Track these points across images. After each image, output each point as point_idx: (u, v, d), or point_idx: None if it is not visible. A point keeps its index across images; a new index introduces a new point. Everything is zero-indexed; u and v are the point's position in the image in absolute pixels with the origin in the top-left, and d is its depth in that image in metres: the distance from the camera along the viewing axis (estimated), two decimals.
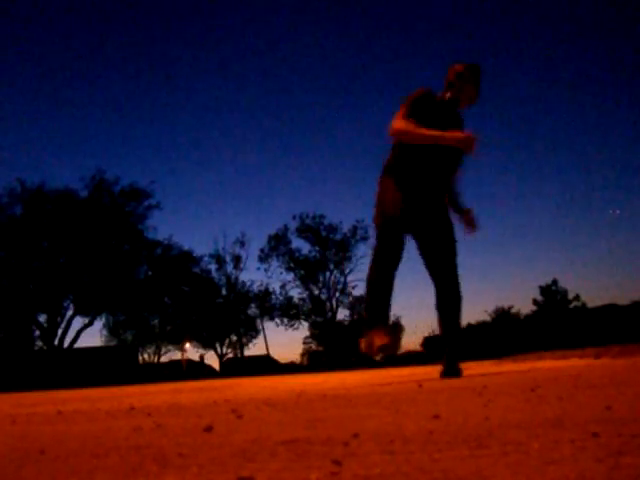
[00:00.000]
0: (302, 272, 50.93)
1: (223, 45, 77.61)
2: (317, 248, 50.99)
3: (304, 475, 0.70)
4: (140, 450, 0.98)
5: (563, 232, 79.19)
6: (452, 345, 3.93)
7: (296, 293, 59.88)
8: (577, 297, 57.02)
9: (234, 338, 52.30)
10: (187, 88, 77.68)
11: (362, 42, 78.14)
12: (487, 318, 62.11)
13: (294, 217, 51.92)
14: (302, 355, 65.64)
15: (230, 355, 53.71)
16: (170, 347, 57.57)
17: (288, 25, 78.82)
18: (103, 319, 43.77)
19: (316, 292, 51.31)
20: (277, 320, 50.95)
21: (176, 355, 57.66)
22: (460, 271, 4.03)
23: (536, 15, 76.55)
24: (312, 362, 57.13)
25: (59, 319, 36.50)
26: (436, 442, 0.89)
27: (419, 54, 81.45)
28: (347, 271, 50.65)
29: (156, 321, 47.21)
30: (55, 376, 32.87)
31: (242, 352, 52.58)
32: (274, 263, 51.34)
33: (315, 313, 51.55)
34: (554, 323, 50.97)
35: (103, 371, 38.21)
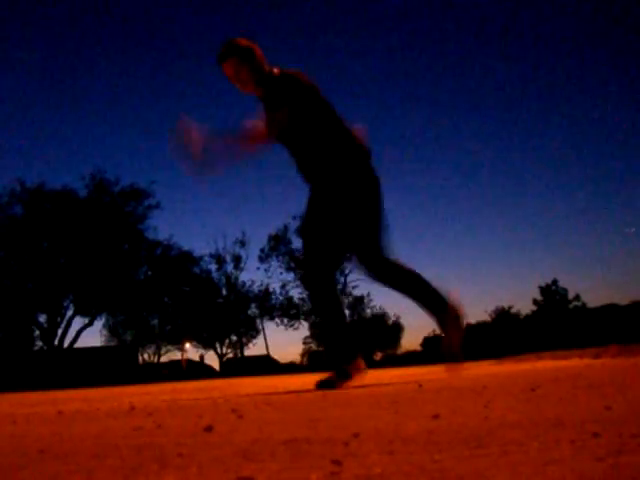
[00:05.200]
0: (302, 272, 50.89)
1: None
2: None
3: (304, 475, 0.70)
4: (140, 450, 0.98)
5: (563, 232, 79.20)
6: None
7: (296, 293, 59.83)
8: (577, 297, 57.08)
9: (234, 338, 52.34)
10: (187, 88, 77.69)
11: (351, 43, 78.16)
12: (487, 318, 62.17)
13: (294, 217, 51.96)
14: (302, 355, 65.71)
15: (230, 355, 53.75)
16: (170, 347, 57.58)
17: (289, 25, 78.83)
18: (103, 319, 43.82)
19: None
20: (277, 320, 50.99)
21: (176, 355, 57.68)
22: (436, 276, 3.59)
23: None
24: (312, 362, 57.15)
25: (59, 319, 36.52)
26: (436, 442, 0.89)
27: (413, 52, 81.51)
28: (347, 271, 50.63)
29: (156, 321, 47.21)
30: (55, 376, 32.87)
31: (242, 352, 52.59)
32: (274, 263, 51.40)
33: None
34: (554, 323, 50.95)
35: (103, 371, 38.22)
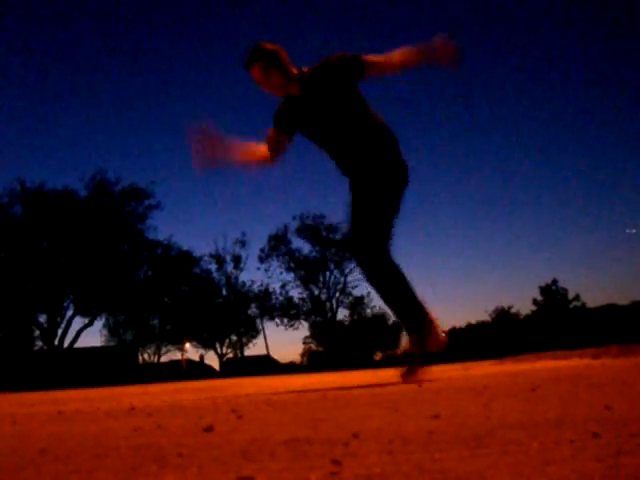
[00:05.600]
0: (302, 272, 50.97)
1: (224, 45, 77.64)
2: (317, 248, 51.04)
3: (304, 475, 0.70)
4: (140, 450, 0.98)
5: (563, 232, 79.25)
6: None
7: (296, 293, 60.00)
8: (577, 297, 57.10)
9: (234, 338, 52.34)
10: (187, 88, 77.72)
11: (361, 39, 78.15)
12: (487, 318, 62.19)
13: (294, 217, 52.02)
14: (302, 355, 65.72)
15: (230, 355, 53.75)
16: (170, 347, 57.59)
17: (292, 25, 78.88)
18: (103, 319, 43.82)
19: (316, 292, 51.36)
20: (277, 320, 51.00)
21: (176, 355, 57.70)
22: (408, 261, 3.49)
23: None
24: (312, 362, 57.15)
25: (59, 319, 36.52)
26: (436, 442, 0.89)
27: None
28: (347, 271, 50.63)
29: (156, 321, 47.21)
30: (55, 376, 32.86)
31: (242, 352, 52.60)
32: (274, 263, 51.43)
33: (315, 313, 51.57)
34: (554, 323, 50.96)
35: (103, 371, 38.22)
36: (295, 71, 3.38)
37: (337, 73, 3.31)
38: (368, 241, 3.29)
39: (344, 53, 3.34)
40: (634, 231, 61.67)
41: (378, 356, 61.74)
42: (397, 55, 3.37)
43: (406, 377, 3.33)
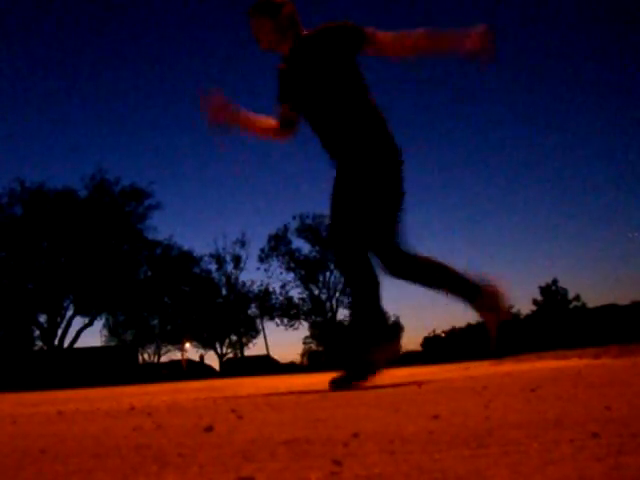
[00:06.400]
0: (302, 272, 50.97)
1: (224, 45, 77.65)
2: (317, 248, 51.03)
3: (304, 475, 0.70)
4: (140, 450, 0.98)
5: (563, 232, 79.25)
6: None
7: (296, 293, 59.94)
8: (577, 297, 57.15)
9: (234, 338, 52.36)
10: (188, 88, 77.67)
11: None
12: None
13: (294, 217, 52.05)
14: (302, 355, 65.71)
15: (230, 355, 53.74)
16: (170, 347, 57.58)
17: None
18: (103, 319, 43.81)
19: (316, 292, 51.36)
20: (277, 320, 51.03)
21: (176, 355, 57.68)
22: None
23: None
24: (312, 362, 57.13)
25: (59, 319, 36.51)
26: (436, 442, 0.89)
27: None
28: None
29: (156, 321, 47.20)
30: (55, 376, 32.85)
31: (242, 352, 52.61)
32: (274, 263, 51.47)
33: (315, 313, 51.56)
34: (554, 323, 50.97)
35: (103, 371, 38.21)
36: (300, 31, 3.16)
37: (333, 41, 3.01)
38: (347, 237, 3.06)
39: (345, 22, 3.03)
40: (636, 234, 61.51)
41: None
42: (412, 36, 2.94)
43: (338, 384, 3.08)
